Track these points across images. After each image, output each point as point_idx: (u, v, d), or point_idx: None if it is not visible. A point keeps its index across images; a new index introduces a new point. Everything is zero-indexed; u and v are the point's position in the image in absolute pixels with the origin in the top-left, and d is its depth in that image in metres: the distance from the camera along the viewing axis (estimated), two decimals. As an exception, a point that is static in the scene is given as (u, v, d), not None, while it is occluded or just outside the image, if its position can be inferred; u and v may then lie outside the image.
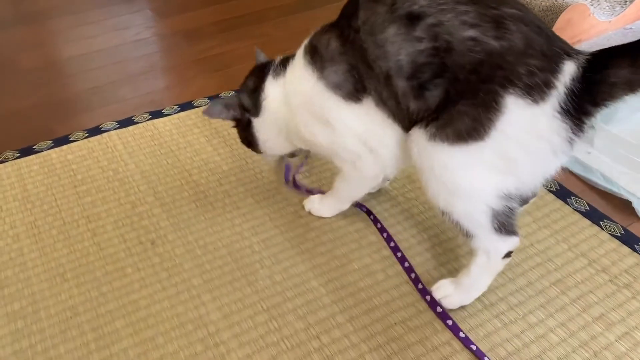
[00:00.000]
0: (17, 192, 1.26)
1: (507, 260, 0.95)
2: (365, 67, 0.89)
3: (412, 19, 0.82)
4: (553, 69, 0.79)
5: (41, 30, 2.02)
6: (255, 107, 1.07)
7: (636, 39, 0.76)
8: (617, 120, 1.35)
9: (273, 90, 1.04)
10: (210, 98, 1.57)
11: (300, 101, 1.00)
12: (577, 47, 0.83)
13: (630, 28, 1.74)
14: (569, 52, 0.80)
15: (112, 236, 1.14)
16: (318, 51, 0.94)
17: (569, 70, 0.79)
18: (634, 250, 1.07)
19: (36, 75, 1.73)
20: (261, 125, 1.08)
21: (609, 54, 0.78)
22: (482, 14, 0.80)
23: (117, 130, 1.45)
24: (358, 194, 1.13)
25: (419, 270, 1.05)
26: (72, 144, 1.40)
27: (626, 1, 1.81)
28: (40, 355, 0.92)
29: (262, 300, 1.00)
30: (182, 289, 1.03)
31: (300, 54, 0.99)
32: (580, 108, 0.79)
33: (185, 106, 1.54)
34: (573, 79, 0.79)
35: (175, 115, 1.50)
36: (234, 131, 1.46)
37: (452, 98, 0.82)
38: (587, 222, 1.14)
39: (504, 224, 0.88)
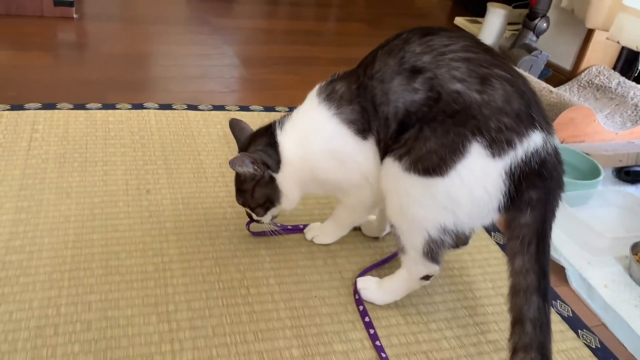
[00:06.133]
0: (60, 132, 1.52)
1: (425, 282, 1.08)
2: (372, 109, 1.00)
3: (415, 71, 0.95)
4: (521, 131, 0.88)
5: (130, 29, 2.38)
6: (276, 163, 1.10)
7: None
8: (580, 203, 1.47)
9: (287, 140, 1.10)
10: (242, 107, 1.81)
11: (321, 138, 1.06)
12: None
13: (634, 142, 1.87)
14: (543, 125, 0.89)
15: (118, 179, 1.37)
16: (335, 92, 1.05)
17: (535, 139, 0.88)
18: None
19: (113, 59, 2.06)
20: (284, 179, 1.11)
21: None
22: (472, 70, 0.91)
23: (155, 110, 1.71)
24: (357, 220, 1.25)
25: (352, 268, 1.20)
26: (116, 111, 1.67)
27: (637, 120, 1.96)
28: None
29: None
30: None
31: (312, 96, 1.08)
32: (525, 179, 0.89)
33: (219, 107, 1.79)
34: (536, 150, 0.88)
35: (207, 112, 1.75)
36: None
37: (425, 134, 0.93)
38: (518, 272, 1.26)
39: (432, 251, 1.01)
